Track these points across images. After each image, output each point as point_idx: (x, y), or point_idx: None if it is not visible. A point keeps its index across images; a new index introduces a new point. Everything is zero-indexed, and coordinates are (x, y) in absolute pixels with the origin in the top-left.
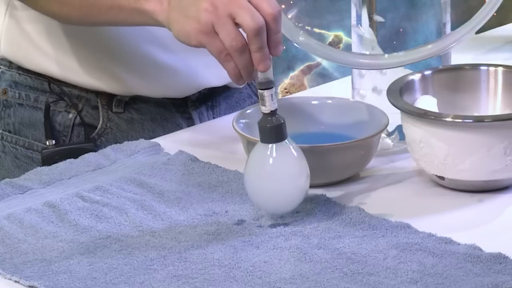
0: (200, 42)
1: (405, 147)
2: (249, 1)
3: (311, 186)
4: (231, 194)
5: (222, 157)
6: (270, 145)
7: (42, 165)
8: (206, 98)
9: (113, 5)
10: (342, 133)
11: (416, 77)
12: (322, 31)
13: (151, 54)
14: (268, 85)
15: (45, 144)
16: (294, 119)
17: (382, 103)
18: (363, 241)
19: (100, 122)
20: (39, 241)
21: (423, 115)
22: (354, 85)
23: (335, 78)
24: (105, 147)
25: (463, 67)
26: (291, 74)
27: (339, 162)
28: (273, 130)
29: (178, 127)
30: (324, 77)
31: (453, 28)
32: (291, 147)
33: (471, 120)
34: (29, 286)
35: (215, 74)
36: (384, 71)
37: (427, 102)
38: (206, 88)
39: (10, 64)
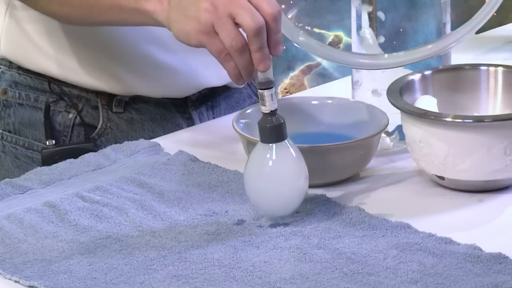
0: (200, 42)
1: (405, 147)
2: (249, 1)
3: (311, 186)
4: (231, 194)
5: (222, 157)
6: (270, 145)
7: (42, 165)
8: (206, 98)
9: (113, 5)
10: (342, 133)
11: (416, 77)
12: (322, 31)
13: (151, 54)
14: (268, 85)
15: (45, 144)
16: (294, 119)
17: (382, 103)
18: (363, 241)
19: (100, 122)
20: (39, 241)
21: (423, 115)
22: (354, 85)
23: (335, 78)
24: (105, 147)
25: (463, 67)
26: (291, 74)
27: (339, 162)
28: (273, 130)
29: (178, 127)
30: (324, 77)
31: (453, 28)
32: (290, 148)
33: (471, 120)
34: (29, 286)
35: (215, 74)
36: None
37: (427, 102)
38: (206, 88)
39: (10, 64)
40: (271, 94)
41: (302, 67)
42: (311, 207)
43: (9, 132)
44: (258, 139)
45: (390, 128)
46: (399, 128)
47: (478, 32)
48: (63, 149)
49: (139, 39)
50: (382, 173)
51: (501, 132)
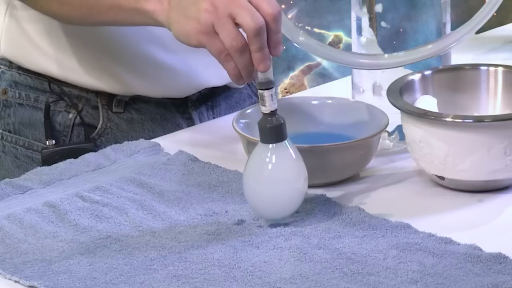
0: (200, 42)
1: (405, 147)
2: (249, 1)
3: (311, 186)
4: (231, 194)
5: (222, 157)
6: (270, 146)
7: (42, 165)
8: (206, 98)
9: (113, 5)
10: (342, 133)
11: (416, 77)
12: (322, 31)
13: (151, 54)
14: (268, 85)
15: (45, 144)
16: (294, 119)
17: (382, 103)
18: (363, 241)
19: (100, 122)
20: (39, 241)
21: (423, 115)
22: (354, 85)
23: (335, 78)
24: (105, 147)
25: (463, 67)
26: (291, 74)
27: (339, 162)
28: (273, 131)
29: (178, 127)
30: (324, 77)
31: (453, 28)
32: (290, 149)
33: (471, 120)
34: (29, 286)
35: (215, 74)
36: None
37: (427, 102)
38: (206, 88)
39: (10, 64)
40: (271, 95)
41: (302, 67)
42: (311, 207)
43: (9, 132)
44: (258, 139)
45: (390, 128)
46: (399, 128)
47: (478, 32)
48: (63, 149)
49: (139, 39)
50: (382, 173)
51: (501, 132)
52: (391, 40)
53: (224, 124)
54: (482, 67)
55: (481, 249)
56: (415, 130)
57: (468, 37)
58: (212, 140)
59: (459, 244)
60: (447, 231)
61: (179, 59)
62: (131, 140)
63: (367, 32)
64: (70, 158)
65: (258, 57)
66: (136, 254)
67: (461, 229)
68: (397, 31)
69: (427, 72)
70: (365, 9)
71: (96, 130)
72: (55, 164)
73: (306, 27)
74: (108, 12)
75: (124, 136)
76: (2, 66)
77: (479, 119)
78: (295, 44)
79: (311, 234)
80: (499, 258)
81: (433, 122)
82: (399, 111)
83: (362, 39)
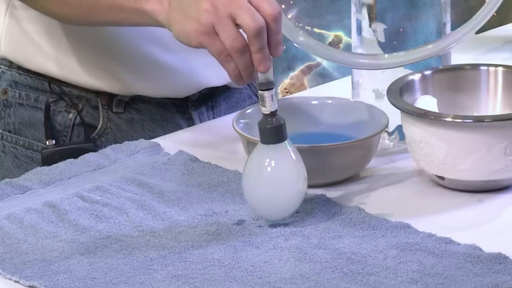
0: (200, 42)
1: (405, 147)
2: (249, 2)
3: (311, 186)
4: (231, 194)
5: (222, 157)
6: (270, 147)
7: (42, 165)
8: (206, 98)
9: (113, 5)
10: (342, 133)
11: (416, 77)
12: (322, 31)
13: (152, 54)
14: (269, 85)
15: (45, 144)
16: (294, 119)
17: (382, 103)
18: (363, 241)
19: (100, 122)
20: (39, 241)
21: (423, 115)
22: (354, 85)
23: (335, 78)
24: (105, 147)
25: (463, 67)
26: (291, 74)
27: (339, 162)
28: (273, 131)
29: (178, 128)
30: (324, 77)
31: (453, 28)
32: (290, 149)
33: (471, 120)
34: (29, 286)
35: (215, 74)
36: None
37: (427, 102)
38: (206, 88)
39: (10, 64)
40: (271, 95)
41: (302, 67)
42: (311, 207)
43: (9, 132)
44: (258, 139)
45: (390, 128)
46: (399, 128)
47: (478, 32)
48: (63, 149)
49: (140, 39)
50: (382, 173)
51: (501, 132)
52: (391, 40)
53: (224, 124)
54: (482, 67)
55: (481, 249)
56: (415, 130)
57: (468, 37)
58: (212, 140)
59: (459, 244)
60: (447, 231)
61: (180, 59)
62: (131, 140)
63: (367, 32)
64: (70, 158)
65: (259, 58)
66: (136, 254)
67: (461, 229)
68: (397, 31)
69: (427, 72)
70: (365, 10)
71: (96, 130)
72: (55, 164)
73: (306, 27)
74: (108, 12)
75: (124, 136)
76: (2, 66)
77: (479, 119)
78: (295, 44)
79: (311, 234)
80: (499, 258)
81: (433, 122)
82: (399, 111)
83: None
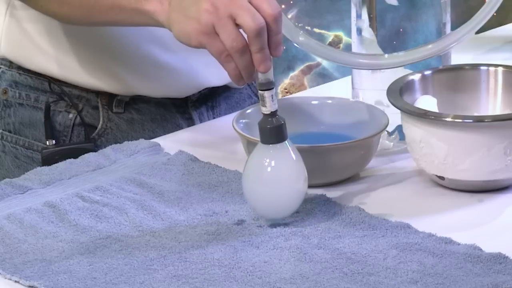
0: (201, 42)
1: (405, 147)
2: (249, 2)
3: (311, 186)
4: (231, 194)
5: (222, 157)
6: (270, 147)
7: (42, 165)
8: (206, 99)
9: (113, 5)
10: (342, 133)
11: (416, 77)
12: (322, 31)
13: (152, 53)
14: (269, 86)
15: (45, 144)
16: (294, 119)
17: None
18: (363, 241)
19: (100, 122)
20: (39, 241)
21: (423, 115)
22: (354, 85)
23: (335, 78)
24: (105, 147)
25: (463, 67)
26: (291, 74)
27: (339, 162)
28: (273, 131)
29: (178, 128)
30: (324, 77)
31: (453, 28)
32: (290, 149)
33: (471, 120)
34: (29, 286)
35: (215, 74)
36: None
37: (427, 102)
38: (206, 88)
39: (10, 64)
40: (272, 95)
41: (302, 67)
42: (311, 207)
43: (9, 132)
44: (258, 139)
45: (390, 128)
46: (399, 128)
47: (478, 32)
48: (63, 149)
49: (140, 39)
50: (382, 173)
51: (501, 132)
52: (391, 40)
53: (224, 124)
54: (482, 67)
55: (481, 249)
56: (415, 130)
57: (468, 37)
58: (212, 140)
59: (459, 244)
60: (447, 231)
61: (180, 59)
62: (131, 140)
63: (367, 32)
64: (70, 158)
65: (259, 58)
66: (136, 254)
67: (461, 229)
68: (397, 31)
69: (427, 72)
70: (365, 10)
71: (96, 130)
72: (55, 164)
73: (306, 27)
74: (108, 12)
75: (124, 136)
76: (2, 66)
77: (479, 119)
78: (295, 44)
79: (311, 234)
80: (499, 258)
81: (433, 122)
82: (399, 111)
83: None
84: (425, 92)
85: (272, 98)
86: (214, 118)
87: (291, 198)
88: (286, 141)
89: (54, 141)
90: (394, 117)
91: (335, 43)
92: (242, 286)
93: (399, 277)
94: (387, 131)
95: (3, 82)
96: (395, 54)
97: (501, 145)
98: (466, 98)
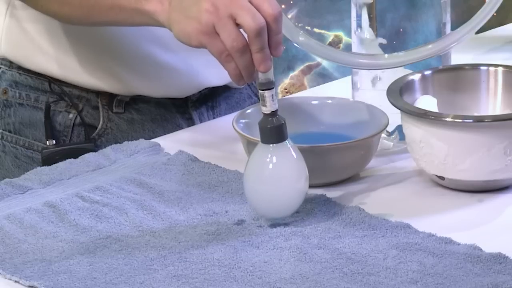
0: (201, 42)
1: (405, 147)
2: (250, 2)
3: (311, 186)
4: (231, 194)
5: (222, 157)
6: (270, 146)
7: (42, 165)
8: (207, 99)
9: (113, 5)
10: (342, 133)
11: (416, 77)
12: (322, 31)
13: (152, 53)
14: (269, 85)
15: (45, 144)
16: (294, 119)
17: (382, 103)
18: (363, 241)
19: (101, 122)
20: (39, 241)
21: (423, 115)
22: (354, 85)
23: (335, 78)
24: (105, 147)
25: (463, 67)
26: (291, 74)
27: (339, 162)
28: (273, 131)
29: (179, 128)
30: (324, 77)
31: (453, 28)
32: (291, 149)
33: (471, 120)
34: (29, 286)
35: (216, 74)
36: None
37: (427, 102)
38: (206, 88)
39: (10, 64)
40: (272, 95)
41: (302, 67)
42: (311, 207)
43: (9, 132)
44: (258, 139)
45: (390, 128)
46: (399, 128)
47: (478, 32)
48: (63, 149)
49: (140, 39)
50: (382, 173)
51: (501, 132)
52: (391, 40)
53: (224, 124)
54: (482, 67)
55: (481, 249)
56: (415, 130)
57: (468, 37)
58: (212, 140)
59: (459, 244)
60: (447, 231)
61: (180, 59)
62: (131, 140)
63: (367, 32)
64: (70, 158)
65: (259, 58)
66: (136, 254)
67: (461, 229)
68: (397, 31)
69: (427, 72)
70: (365, 10)
71: (97, 130)
72: (55, 164)
73: (306, 27)
74: (108, 12)
75: (124, 136)
76: (2, 66)
77: (479, 119)
78: (295, 44)
79: (311, 234)
80: (499, 258)
81: (433, 122)
82: (399, 111)
83: (359, 34)
84: (425, 92)
85: (273, 98)
86: (214, 118)
87: (292, 197)
88: (286, 141)
89: (54, 141)
90: (394, 117)
91: (335, 43)
92: (242, 286)
93: (399, 277)
94: (387, 131)
95: (3, 82)
96: (395, 54)
97: (501, 145)
98: (466, 98)
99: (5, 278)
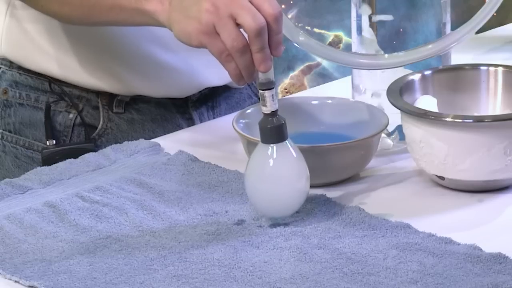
0: (201, 42)
1: (405, 147)
2: (250, 2)
3: (311, 186)
4: (231, 194)
5: (222, 157)
6: (271, 146)
7: (42, 165)
8: (207, 99)
9: (114, 5)
10: (342, 133)
11: (416, 77)
12: (322, 31)
13: (152, 53)
14: (269, 85)
15: (46, 144)
16: (294, 119)
17: (382, 103)
18: (363, 241)
19: (101, 122)
20: (39, 241)
21: (423, 115)
22: (354, 85)
23: (335, 78)
24: (105, 147)
25: (463, 67)
26: (291, 74)
27: (339, 162)
28: (273, 131)
29: (179, 128)
30: (324, 77)
31: (453, 28)
32: (291, 148)
33: (471, 120)
34: (29, 286)
35: (216, 74)
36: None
37: (427, 102)
38: (206, 88)
39: (10, 64)
40: (272, 95)
41: (302, 67)
42: (311, 207)
43: (10, 132)
44: (258, 139)
45: (390, 128)
46: (399, 128)
47: (478, 32)
48: (63, 149)
49: (140, 39)
50: (382, 173)
51: (501, 132)
52: (391, 40)
53: (224, 124)
54: (482, 67)
55: (481, 249)
56: (415, 130)
57: (468, 37)
58: (212, 140)
59: (459, 244)
60: (447, 231)
61: (180, 59)
62: (132, 140)
63: (367, 32)
64: (70, 158)
65: (259, 58)
66: (136, 254)
67: (461, 229)
68: (397, 31)
69: (427, 72)
70: (365, 8)
71: (97, 130)
72: (55, 164)
73: (306, 27)
74: (109, 12)
75: (124, 137)
76: (2, 66)
77: (479, 119)
78: (295, 44)
79: (311, 234)
80: (499, 258)
81: (433, 122)
82: (399, 111)
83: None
84: (425, 92)
85: (273, 97)
86: (214, 118)
87: (293, 197)
88: (286, 141)
89: (54, 141)
90: (394, 117)
91: (335, 43)
92: (242, 286)
93: (399, 277)
94: (387, 131)
95: (4, 82)
96: (395, 54)
97: (501, 145)
98: (466, 98)
99: (5, 278)
